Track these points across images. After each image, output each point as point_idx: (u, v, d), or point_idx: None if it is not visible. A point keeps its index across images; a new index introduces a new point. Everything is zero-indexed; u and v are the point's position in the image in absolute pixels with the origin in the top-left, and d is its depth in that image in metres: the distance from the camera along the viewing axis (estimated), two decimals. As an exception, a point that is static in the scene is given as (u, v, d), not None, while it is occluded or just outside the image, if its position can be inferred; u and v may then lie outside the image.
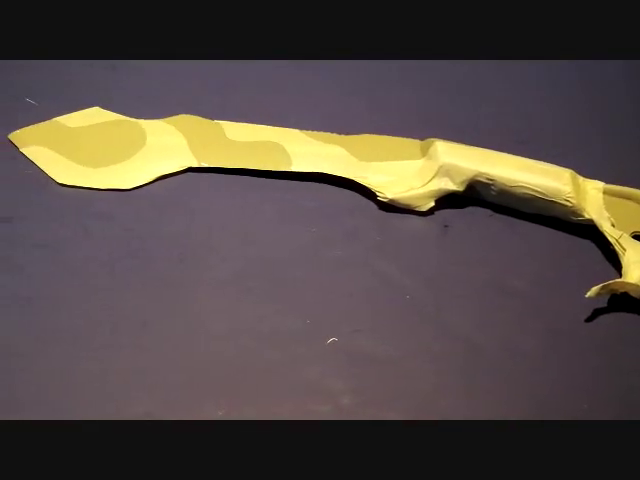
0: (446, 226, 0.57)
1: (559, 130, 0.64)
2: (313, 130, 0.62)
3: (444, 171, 0.57)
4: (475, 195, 0.58)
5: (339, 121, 0.63)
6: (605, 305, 0.53)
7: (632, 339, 0.52)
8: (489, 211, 0.58)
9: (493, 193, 0.57)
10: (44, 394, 0.49)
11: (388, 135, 0.62)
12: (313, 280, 0.55)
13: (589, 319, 0.53)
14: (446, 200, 0.58)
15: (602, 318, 0.53)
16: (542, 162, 0.57)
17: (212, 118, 0.63)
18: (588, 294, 0.52)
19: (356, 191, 0.59)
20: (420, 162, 0.59)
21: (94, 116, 0.63)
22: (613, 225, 0.55)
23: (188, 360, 0.51)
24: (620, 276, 0.53)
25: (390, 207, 0.58)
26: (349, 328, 0.52)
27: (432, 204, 0.58)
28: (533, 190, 0.56)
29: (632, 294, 0.53)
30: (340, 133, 0.62)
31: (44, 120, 0.62)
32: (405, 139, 0.61)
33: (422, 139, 0.60)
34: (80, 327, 0.52)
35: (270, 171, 0.60)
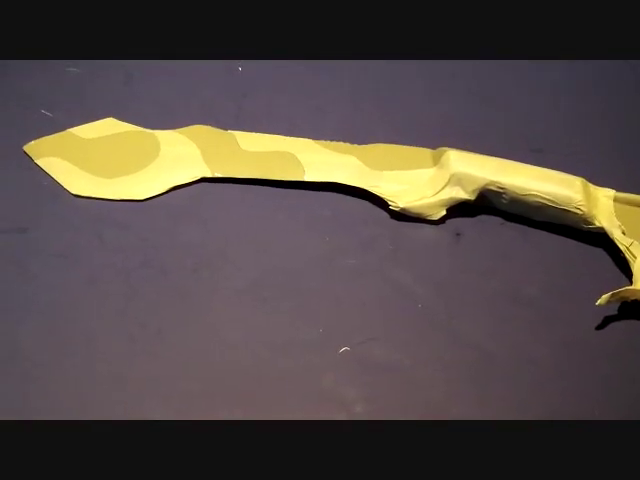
0: (458, 234, 0.58)
1: (572, 137, 0.64)
2: (325, 139, 0.62)
3: (456, 180, 0.58)
4: (486, 203, 0.58)
5: (351, 129, 0.64)
6: (616, 313, 0.53)
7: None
8: (500, 219, 0.59)
9: (504, 202, 0.58)
10: (59, 402, 0.49)
11: (400, 143, 0.62)
12: (327, 289, 0.55)
13: (600, 327, 0.53)
14: (457, 209, 0.58)
15: (613, 326, 0.53)
16: (553, 170, 0.57)
17: (225, 128, 0.63)
18: (598, 302, 0.52)
19: (369, 200, 0.59)
20: (432, 171, 0.59)
21: (108, 127, 0.63)
22: (624, 233, 0.55)
23: (202, 369, 0.51)
24: (631, 284, 0.53)
25: (402, 216, 0.58)
26: (362, 337, 0.53)
27: (443, 213, 0.58)
28: (544, 198, 0.56)
29: (643, 302, 0.53)
30: (352, 141, 0.62)
31: (59, 131, 0.63)
32: (417, 148, 0.61)
33: (434, 148, 0.61)
34: (95, 336, 0.52)
35: (283, 181, 0.60)
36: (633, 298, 0.53)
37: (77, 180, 0.60)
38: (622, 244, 0.55)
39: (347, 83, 0.67)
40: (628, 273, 0.54)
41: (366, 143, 0.62)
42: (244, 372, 0.51)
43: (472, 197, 0.58)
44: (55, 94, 0.66)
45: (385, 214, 0.59)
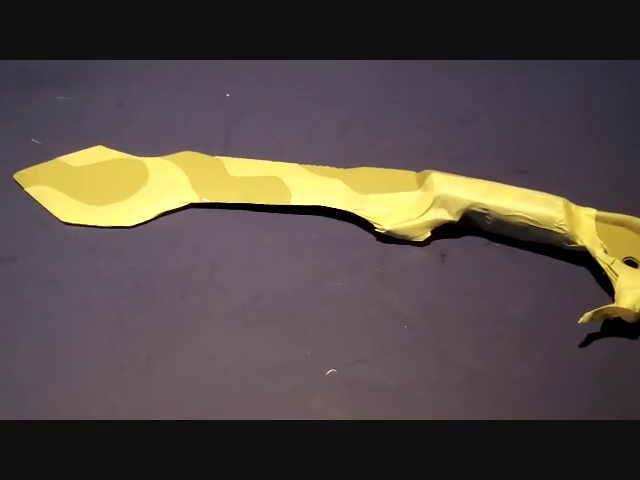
0: (443, 255, 0.58)
1: (555, 157, 0.64)
2: (312, 163, 0.63)
3: (440, 202, 0.58)
4: (471, 225, 0.59)
5: (337, 151, 0.65)
6: (599, 330, 0.54)
7: (626, 363, 0.53)
8: (485, 240, 0.59)
9: (488, 222, 0.58)
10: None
11: (385, 165, 0.63)
12: (315, 312, 0.56)
13: (583, 345, 0.54)
14: (442, 230, 0.59)
15: (596, 343, 0.54)
16: (535, 191, 0.58)
17: (213, 153, 0.64)
18: (581, 320, 0.52)
19: (355, 223, 0.60)
20: (416, 193, 0.60)
21: (97, 155, 0.64)
22: (605, 251, 0.56)
23: (193, 394, 0.52)
24: (613, 301, 0.54)
25: (388, 238, 0.59)
26: (350, 359, 0.53)
27: (429, 234, 0.59)
28: (527, 219, 0.57)
29: (625, 319, 0.53)
30: (338, 164, 0.63)
31: (48, 159, 0.64)
32: (401, 171, 0.62)
33: (418, 170, 0.61)
34: (88, 362, 0.53)
35: (270, 205, 0.61)
36: (615, 316, 0.54)
37: (67, 208, 0.61)
38: (604, 262, 0.55)
39: (333, 107, 0.68)
40: (610, 291, 0.55)
41: (352, 165, 0.63)
42: (233, 396, 0.52)
43: (456, 218, 0.58)
44: (45, 122, 0.66)
45: (371, 237, 0.60)
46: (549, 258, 0.58)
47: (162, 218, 0.61)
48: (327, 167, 0.63)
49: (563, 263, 0.58)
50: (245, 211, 0.61)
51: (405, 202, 0.60)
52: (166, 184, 0.62)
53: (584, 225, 0.57)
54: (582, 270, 0.57)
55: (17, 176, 0.63)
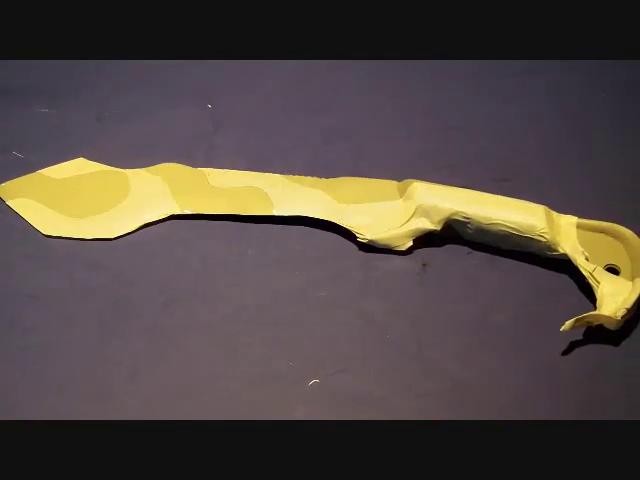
0: (424, 265, 0.58)
1: (537, 166, 0.65)
2: (295, 173, 0.63)
3: (422, 211, 0.59)
4: (453, 233, 0.59)
5: (320, 162, 0.65)
6: (581, 337, 0.54)
7: (608, 369, 0.53)
8: (467, 248, 0.59)
9: (470, 231, 0.58)
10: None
11: (368, 174, 0.63)
12: (298, 322, 0.56)
13: (567, 352, 0.54)
14: (424, 239, 0.59)
15: (579, 350, 0.54)
16: (517, 199, 0.58)
17: (195, 164, 0.64)
18: (563, 327, 0.52)
19: (337, 233, 0.60)
20: (398, 203, 0.60)
21: (78, 167, 0.64)
22: (587, 259, 0.56)
23: (175, 404, 0.52)
24: (595, 308, 0.54)
25: (371, 247, 0.59)
26: (333, 369, 0.53)
27: (411, 243, 0.59)
28: (508, 227, 0.57)
29: (607, 326, 0.53)
30: (321, 174, 0.63)
31: (30, 172, 0.63)
32: (383, 180, 0.62)
33: (400, 180, 0.61)
34: (71, 375, 0.53)
35: (253, 216, 0.61)
36: (597, 323, 0.54)
37: (48, 220, 0.61)
38: (586, 270, 0.55)
39: (316, 115, 0.68)
40: (592, 298, 0.55)
41: (336, 175, 0.63)
42: (216, 406, 0.51)
43: (438, 227, 0.59)
44: (25, 135, 0.66)
45: (354, 246, 0.60)
46: (531, 266, 0.58)
47: (144, 230, 0.60)
48: (309, 177, 0.63)
49: (545, 271, 0.58)
50: (227, 222, 0.61)
51: (387, 211, 0.60)
52: (147, 196, 0.62)
53: (565, 233, 0.57)
54: (564, 278, 0.58)
55: (-2, 189, 0.63)
